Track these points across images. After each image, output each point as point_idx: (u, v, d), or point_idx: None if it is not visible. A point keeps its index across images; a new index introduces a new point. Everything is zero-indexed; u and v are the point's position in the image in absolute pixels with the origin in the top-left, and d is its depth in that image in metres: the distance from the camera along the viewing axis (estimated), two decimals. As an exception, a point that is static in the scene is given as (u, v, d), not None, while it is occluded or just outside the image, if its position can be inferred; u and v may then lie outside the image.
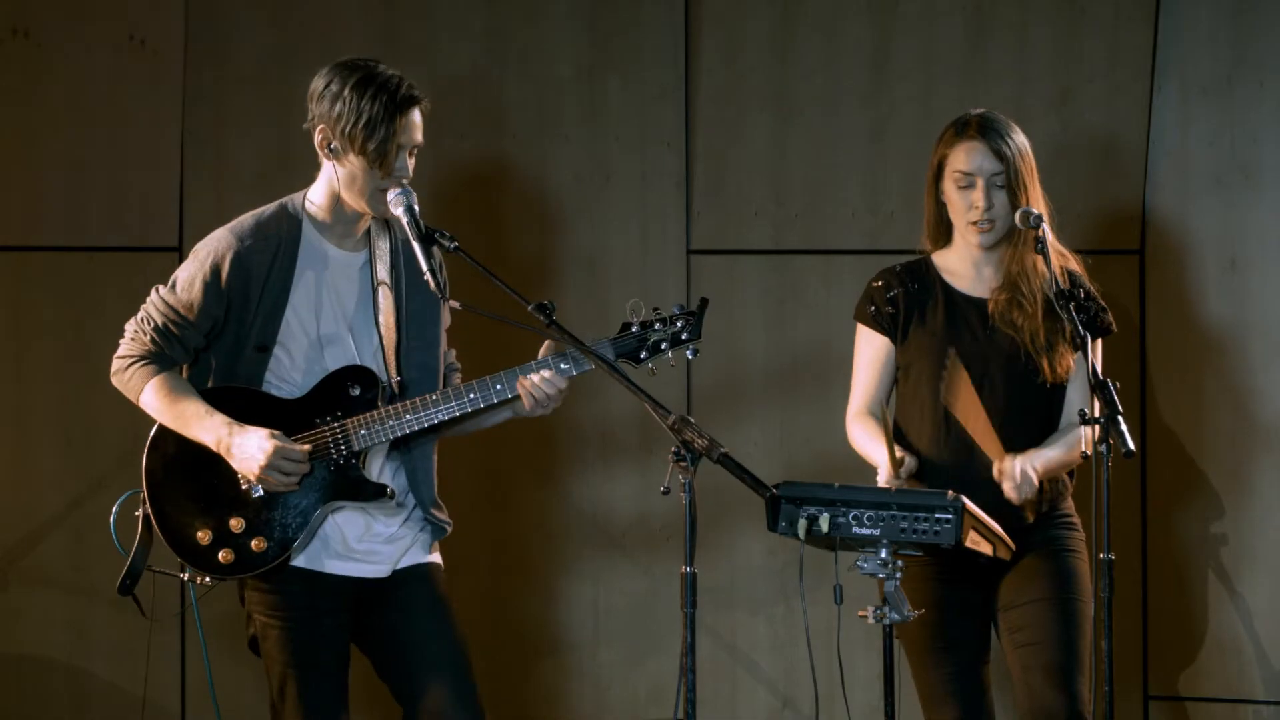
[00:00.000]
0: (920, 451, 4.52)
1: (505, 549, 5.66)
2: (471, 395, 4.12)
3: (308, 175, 4.32)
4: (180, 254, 5.57)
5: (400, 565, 4.24)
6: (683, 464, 3.89)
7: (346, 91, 4.10)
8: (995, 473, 4.42)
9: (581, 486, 5.75)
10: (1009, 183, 4.48)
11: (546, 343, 4.15)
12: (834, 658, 4.28)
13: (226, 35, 5.64)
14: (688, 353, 4.15)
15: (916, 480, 4.50)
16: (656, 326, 4.12)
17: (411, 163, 4.16)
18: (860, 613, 4.13)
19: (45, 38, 5.57)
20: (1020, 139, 4.53)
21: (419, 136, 4.15)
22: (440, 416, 4.12)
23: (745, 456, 4.03)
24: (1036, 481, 4.41)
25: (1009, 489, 4.39)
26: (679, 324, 4.14)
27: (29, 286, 5.60)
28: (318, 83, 4.15)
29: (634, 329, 4.13)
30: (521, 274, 5.56)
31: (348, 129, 4.09)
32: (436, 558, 4.31)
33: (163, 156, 5.61)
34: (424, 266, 4.08)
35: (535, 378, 4.11)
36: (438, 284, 4.08)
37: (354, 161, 4.12)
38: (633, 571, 5.73)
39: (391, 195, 4.11)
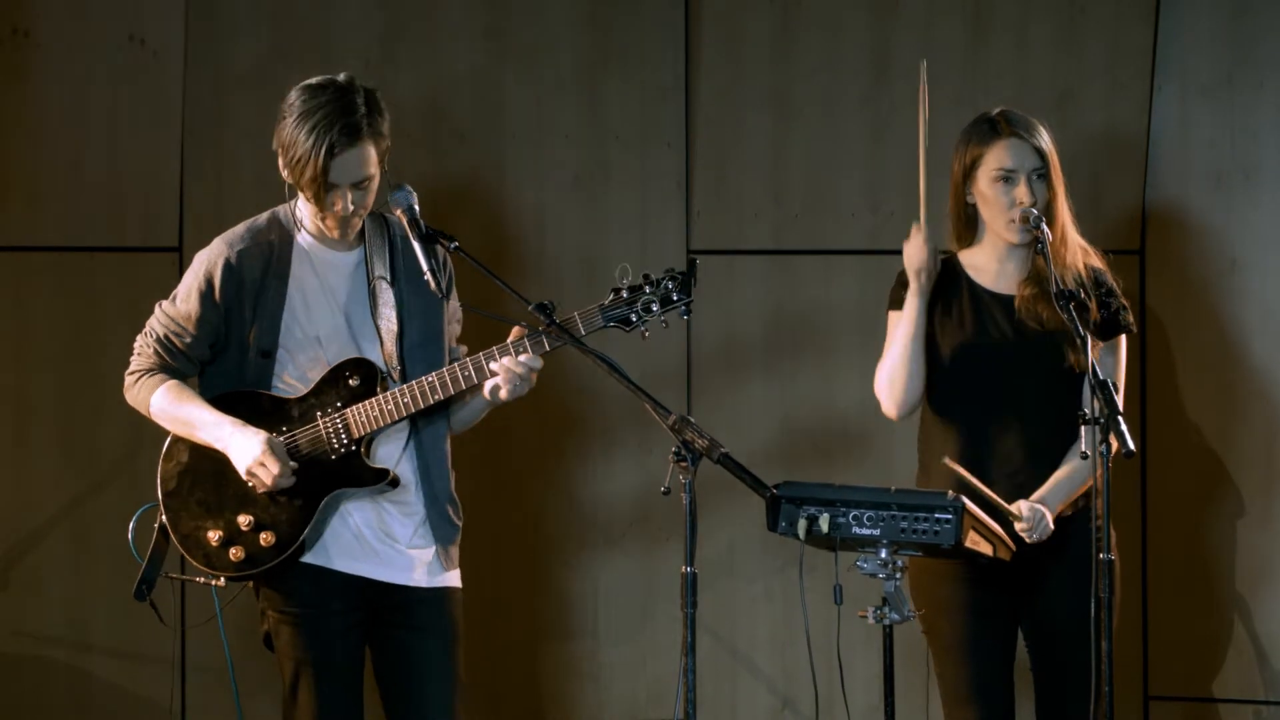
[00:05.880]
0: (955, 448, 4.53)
1: (505, 548, 5.65)
2: (465, 373, 4.09)
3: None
4: (180, 254, 5.57)
5: (425, 584, 4.23)
6: (683, 464, 3.88)
7: (293, 120, 4.03)
8: (1012, 517, 4.41)
9: (581, 486, 5.75)
10: (1048, 175, 4.54)
11: (515, 328, 4.10)
12: (834, 658, 4.28)
13: (226, 35, 5.64)
14: (680, 313, 4.07)
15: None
16: (646, 289, 4.07)
17: (359, 195, 4.06)
18: (860, 613, 4.14)
19: (45, 38, 5.57)
20: (1047, 133, 4.58)
21: (362, 173, 4.04)
22: (435, 396, 4.09)
23: (746, 456, 4.03)
24: (1052, 524, 4.42)
25: (1023, 531, 4.39)
26: (669, 284, 4.06)
27: (29, 286, 5.60)
28: (282, 103, 4.09)
29: (624, 294, 4.08)
30: (521, 274, 5.56)
31: (288, 160, 4.06)
32: (456, 577, 4.30)
33: (163, 156, 5.60)
34: (424, 266, 4.07)
35: (508, 360, 4.07)
36: (438, 283, 4.07)
37: (300, 190, 4.10)
38: (633, 571, 5.73)
39: (391, 196, 4.10)
